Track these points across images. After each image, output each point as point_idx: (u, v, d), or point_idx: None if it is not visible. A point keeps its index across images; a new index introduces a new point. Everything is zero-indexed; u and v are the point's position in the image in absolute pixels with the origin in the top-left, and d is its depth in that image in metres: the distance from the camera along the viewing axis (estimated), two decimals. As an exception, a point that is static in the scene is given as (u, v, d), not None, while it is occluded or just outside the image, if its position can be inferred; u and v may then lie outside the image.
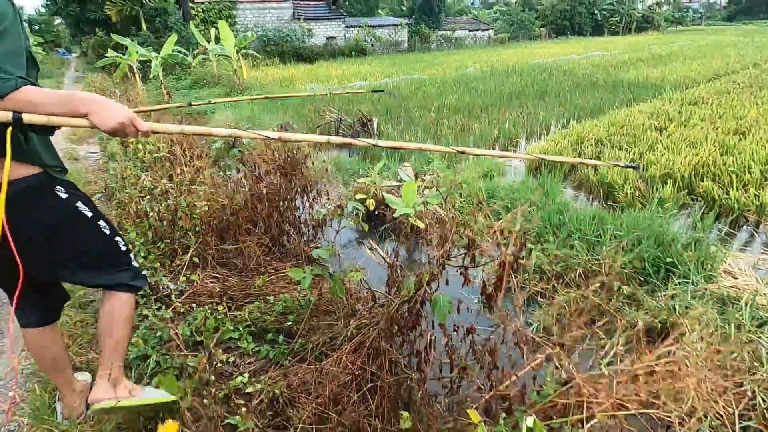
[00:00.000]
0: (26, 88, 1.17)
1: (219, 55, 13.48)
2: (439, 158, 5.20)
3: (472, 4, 71.79)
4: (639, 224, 3.12)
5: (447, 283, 1.65)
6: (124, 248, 1.62)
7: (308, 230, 3.47)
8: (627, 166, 2.12)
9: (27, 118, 1.17)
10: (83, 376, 1.89)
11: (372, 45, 25.69)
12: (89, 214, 1.50)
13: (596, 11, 47.04)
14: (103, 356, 1.62)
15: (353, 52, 23.79)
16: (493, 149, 6.14)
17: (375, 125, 6.62)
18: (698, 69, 12.56)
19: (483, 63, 18.49)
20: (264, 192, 3.28)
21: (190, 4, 21.43)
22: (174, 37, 10.54)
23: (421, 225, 3.56)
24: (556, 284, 2.75)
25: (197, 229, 2.83)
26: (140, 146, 4.47)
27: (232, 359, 2.06)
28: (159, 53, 11.75)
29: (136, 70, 12.66)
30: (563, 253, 3.00)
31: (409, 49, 27.58)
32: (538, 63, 17.29)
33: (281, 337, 2.25)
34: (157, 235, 2.69)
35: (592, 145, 5.64)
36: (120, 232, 1.69)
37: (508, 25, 39.50)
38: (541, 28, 40.85)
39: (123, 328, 1.61)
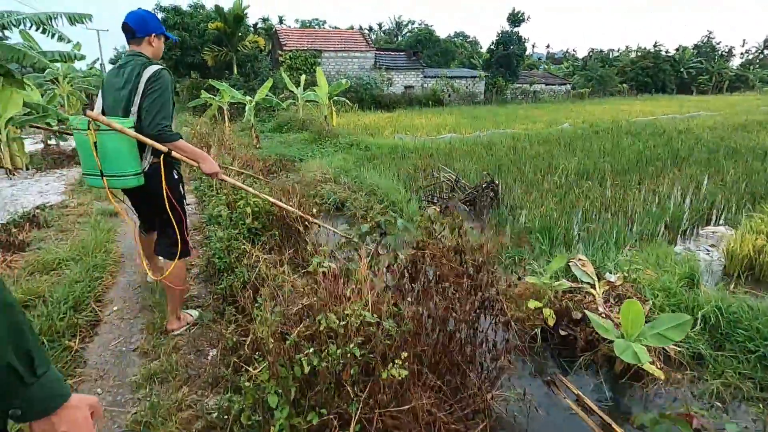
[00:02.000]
0: (181, 140, 2.40)
1: (308, 101, 13.39)
2: (630, 244, 4.01)
3: (539, 59, 71.53)
4: None
5: None
6: (188, 223, 2.69)
7: (490, 367, 2.35)
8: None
9: (174, 154, 2.39)
10: (195, 312, 3.00)
11: (449, 96, 25.38)
12: (183, 192, 2.63)
13: (682, 69, 44.63)
14: (171, 304, 2.75)
15: (430, 102, 23.51)
16: (657, 236, 4.80)
17: (498, 188, 5.57)
18: None
19: (574, 119, 17.25)
20: (435, 308, 2.24)
21: (279, 52, 22.39)
22: (270, 83, 10.41)
23: (659, 375, 2.34)
24: None
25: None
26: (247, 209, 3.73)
27: None
28: (251, 97, 11.76)
29: (225, 111, 12.78)
30: None
31: (485, 101, 26.99)
32: (639, 121, 15.76)
33: None
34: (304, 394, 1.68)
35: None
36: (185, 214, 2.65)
37: (586, 80, 38.19)
38: (622, 84, 39.06)
39: (180, 283, 2.69)
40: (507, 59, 29.26)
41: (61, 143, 10.41)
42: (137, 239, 2.94)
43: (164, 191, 2.38)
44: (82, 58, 8.46)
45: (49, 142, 10.58)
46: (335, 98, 10.79)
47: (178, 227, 2.50)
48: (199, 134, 8.00)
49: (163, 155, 2.33)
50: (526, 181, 6.97)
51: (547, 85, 33.98)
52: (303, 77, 13.93)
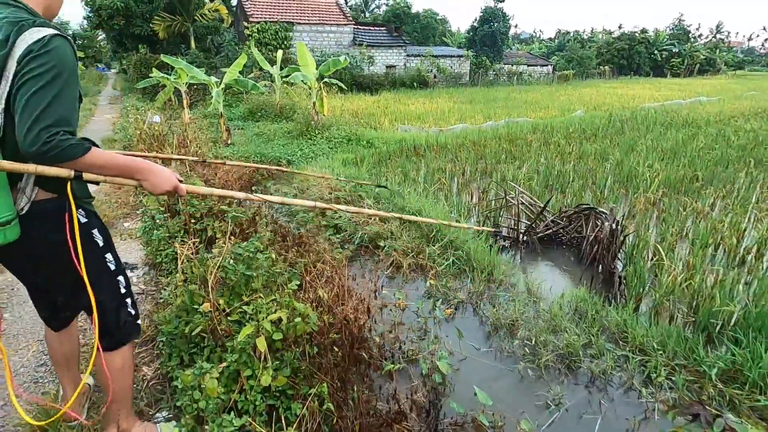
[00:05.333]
0: (92, 153, 1.27)
1: (285, 83, 11.03)
2: None
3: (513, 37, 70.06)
4: None
5: None
6: (123, 290, 1.57)
7: None
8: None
9: (86, 176, 1.30)
10: (90, 380, 1.90)
11: (435, 77, 23.28)
12: (101, 243, 1.51)
13: (656, 51, 44.34)
14: (108, 411, 1.59)
15: (415, 83, 21.38)
16: None
17: (616, 220, 3.67)
18: None
19: (578, 104, 15.70)
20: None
21: (244, 24, 19.46)
22: (243, 59, 8.01)
23: None
24: None
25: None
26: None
27: None
28: (217, 78, 9.32)
29: (184, 95, 10.26)
30: None
31: (471, 82, 25.10)
32: (649, 107, 14.38)
33: None
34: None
35: None
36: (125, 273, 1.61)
37: (566, 61, 37.00)
38: (603, 66, 38.25)
39: (119, 380, 1.53)
40: (492, 37, 27.41)
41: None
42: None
43: (70, 244, 1.35)
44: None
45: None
46: (326, 80, 8.55)
47: (104, 304, 1.48)
48: (145, 134, 5.61)
49: (68, 183, 1.31)
50: (611, 197, 5.19)
51: (529, 66, 32.48)
52: (279, 53, 11.49)
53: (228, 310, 1.73)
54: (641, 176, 5.80)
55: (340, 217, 4.41)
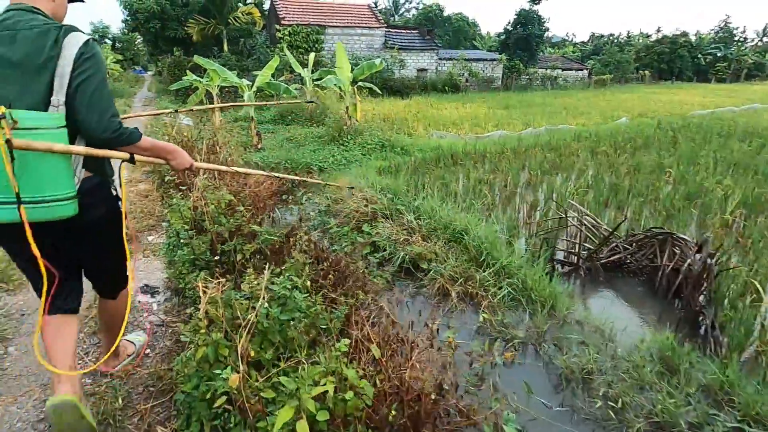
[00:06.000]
0: (143, 138, 1.60)
1: (321, 87, 10.78)
2: None
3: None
4: None
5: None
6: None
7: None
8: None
9: (137, 158, 1.61)
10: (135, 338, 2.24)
11: (466, 80, 22.71)
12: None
13: (699, 55, 42.25)
14: (108, 341, 1.91)
15: (446, 87, 20.88)
16: None
17: (710, 253, 3.13)
18: None
19: (624, 111, 14.89)
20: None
21: (276, 27, 19.46)
22: (276, 61, 7.77)
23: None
24: None
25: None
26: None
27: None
28: (249, 80, 9.13)
29: (215, 98, 10.15)
30: None
31: (504, 87, 24.38)
32: (701, 114, 13.46)
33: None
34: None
35: None
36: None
37: (603, 65, 35.64)
38: (642, 71, 36.72)
39: (120, 315, 1.77)
40: (526, 41, 26.62)
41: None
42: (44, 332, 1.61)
43: (109, 219, 1.67)
44: None
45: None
46: (360, 83, 8.22)
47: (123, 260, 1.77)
48: (173, 139, 5.38)
49: (105, 163, 1.65)
50: (678, 218, 4.62)
51: (564, 70, 31.44)
52: (312, 56, 11.27)
53: (260, 383, 1.36)
54: (711, 193, 5.18)
55: (378, 234, 4.04)
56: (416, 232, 4.03)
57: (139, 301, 2.58)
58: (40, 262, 1.39)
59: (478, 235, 3.79)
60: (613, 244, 3.75)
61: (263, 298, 1.58)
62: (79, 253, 1.68)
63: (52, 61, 1.39)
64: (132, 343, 2.19)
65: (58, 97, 1.41)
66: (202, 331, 1.65)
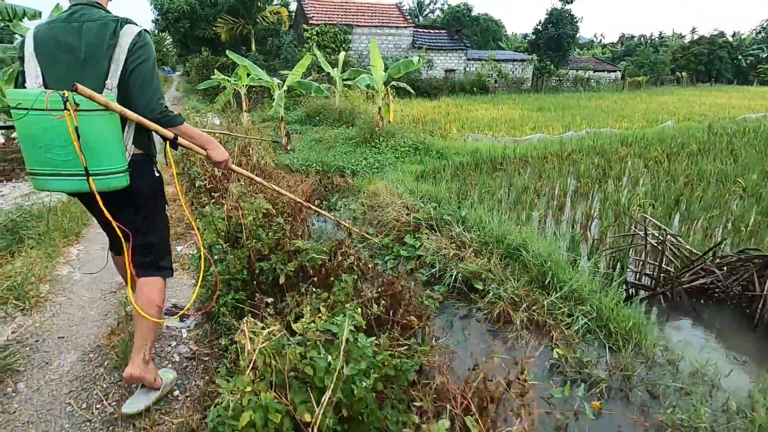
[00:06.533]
0: (186, 124, 1.77)
1: (345, 85, 10.48)
2: None
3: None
4: None
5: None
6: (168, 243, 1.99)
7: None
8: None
9: (180, 141, 1.76)
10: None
11: (495, 82, 22.08)
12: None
13: (740, 56, 40.30)
14: (138, 338, 1.78)
15: (474, 89, 20.32)
16: None
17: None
18: None
19: (667, 113, 14.10)
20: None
21: (304, 27, 19.30)
22: (307, 60, 7.47)
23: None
24: None
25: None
26: None
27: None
28: (278, 79, 8.87)
29: (243, 98, 9.95)
30: None
31: (534, 88, 23.64)
32: (757, 118, 12.58)
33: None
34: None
35: None
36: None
37: (636, 67, 34.32)
38: (680, 73, 35.26)
39: (147, 306, 1.75)
40: (557, 41, 25.78)
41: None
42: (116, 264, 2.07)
43: (143, 189, 1.77)
44: (35, 15, 5.64)
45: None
46: (394, 83, 7.84)
47: (165, 233, 1.95)
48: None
49: (167, 143, 1.77)
50: (760, 235, 4.07)
51: (595, 71, 30.39)
52: (341, 55, 10.96)
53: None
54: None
55: (424, 247, 3.65)
56: (468, 246, 3.62)
57: (167, 327, 2.25)
58: (114, 224, 1.61)
59: (539, 252, 3.36)
60: (698, 267, 3.26)
61: (342, 354, 1.22)
62: (128, 217, 1.77)
63: (111, 49, 1.59)
64: (163, 378, 1.87)
65: (112, 80, 1.60)
66: (248, 389, 1.29)
